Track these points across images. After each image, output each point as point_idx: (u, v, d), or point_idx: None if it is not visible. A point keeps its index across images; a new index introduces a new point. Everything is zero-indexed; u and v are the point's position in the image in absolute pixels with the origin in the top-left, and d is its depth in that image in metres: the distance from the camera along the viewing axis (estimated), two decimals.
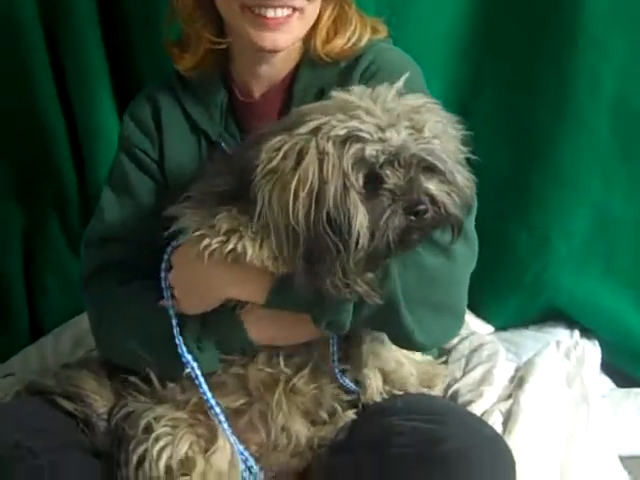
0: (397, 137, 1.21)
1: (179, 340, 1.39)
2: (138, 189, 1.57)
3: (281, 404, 1.40)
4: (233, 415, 1.42)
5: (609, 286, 2.08)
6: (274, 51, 1.46)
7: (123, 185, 1.58)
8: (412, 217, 1.21)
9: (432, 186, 1.23)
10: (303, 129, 1.24)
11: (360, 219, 1.19)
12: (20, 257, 2.45)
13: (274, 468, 1.44)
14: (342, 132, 1.21)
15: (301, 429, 1.42)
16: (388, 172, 1.21)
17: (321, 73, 1.51)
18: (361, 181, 1.20)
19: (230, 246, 1.28)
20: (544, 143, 2.01)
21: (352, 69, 1.50)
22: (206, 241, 1.30)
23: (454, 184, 1.25)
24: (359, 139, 1.20)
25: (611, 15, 1.90)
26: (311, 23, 1.48)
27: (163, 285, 1.44)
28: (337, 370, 1.43)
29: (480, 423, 1.37)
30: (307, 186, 1.20)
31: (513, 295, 2.12)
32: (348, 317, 1.30)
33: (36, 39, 2.19)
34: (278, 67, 1.53)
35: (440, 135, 1.25)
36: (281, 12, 1.41)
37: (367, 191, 1.21)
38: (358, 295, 1.24)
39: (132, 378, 1.47)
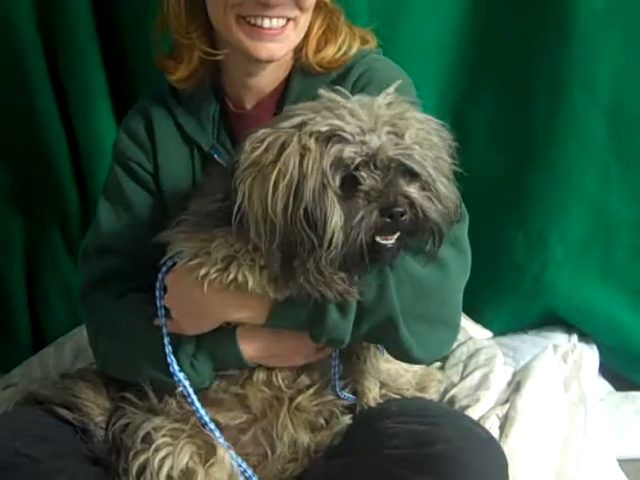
0: (376, 140, 1.21)
1: (171, 359, 1.41)
2: (133, 201, 1.59)
3: (286, 423, 1.41)
4: (235, 431, 1.43)
5: (606, 290, 2.08)
6: (269, 61, 1.47)
7: (118, 197, 1.60)
8: (387, 219, 1.21)
9: (411, 189, 1.24)
10: (287, 123, 1.25)
11: (335, 218, 1.20)
12: (22, 268, 2.47)
13: (272, 476, 1.44)
14: (324, 129, 1.22)
15: (304, 439, 1.43)
16: (364, 174, 1.21)
17: (312, 83, 1.52)
18: (338, 182, 1.21)
19: (231, 276, 1.29)
20: (540, 147, 2.02)
21: (344, 79, 1.51)
22: (204, 270, 1.31)
23: (436, 191, 1.26)
24: (340, 139, 1.21)
25: (605, 17, 1.91)
26: (303, 33, 1.50)
27: (158, 304, 1.45)
28: (338, 388, 1.45)
29: (473, 425, 1.38)
30: (287, 179, 1.21)
31: (510, 299, 2.13)
32: (347, 333, 1.32)
33: (36, 54, 2.20)
34: (270, 78, 1.54)
35: (421, 142, 1.26)
36: (277, 22, 1.43)
37: (344, 192, 1.21)
38: (337, 293, 1.25)
39: (128, 394, 1.47)
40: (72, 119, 2.26)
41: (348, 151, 1.21)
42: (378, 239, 1.22)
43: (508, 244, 2.09)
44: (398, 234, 1.24)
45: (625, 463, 1.72)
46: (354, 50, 1.53)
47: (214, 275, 1.31)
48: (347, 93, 1.30)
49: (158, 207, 1.58)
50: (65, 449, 1.41)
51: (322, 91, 1.31)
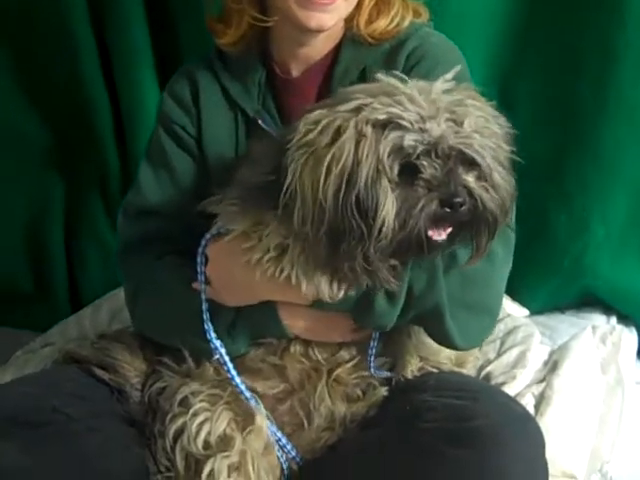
0: (437, 128, 1.19)
1: (208, 326, 1.41)
2: (176, 165, 1.58)
3: (324, 395, 1.41)
4: (272, 401, 1.43)
5: None
6: (319, 31, 1.45)
7: (161, 160, 1.60)
8: (447, 209, 1.19)
9: (470, 179, 1.22)
10: (344, 107, 1.23)
11: (388, 207, 1.17)
12: (61, 229, 2.50)
13: (305, 444, 1.45)
14: (382, 116, 1.19)
15: (341, 410, 1.43)
16: (425, 163, 1.19)
17: (363, 54, 1.51)
18: (396, 169, 1.19)
19: (285, 273, 1.28)
20: (586, 125, 1.98)
21: (397, 52, 1.49)
22: (257, 255, 1.30)
23: (491, 180, 1.23)
24: (399, 126, 1.19)
25: None
26: (354, 4, 1.47)
27: (198, 269, 1.44)
28: (374, 367, 1.44)
29: (511, 401, 1.36)
30: (340, 164, 1.19)
31: (550, 279, 2.10)
32: (392, 321, 1.32)
33: (81, 15, 2.22)
34: (319, 47, 1.53)
35: (481, 130, 1.23)
36: None
37: (401, 180, 1.19)
38: (378, 281, 1.24)
39: (165, 359, 1.48)
40: (116, 81, 2.28)
41: (409, 139, 1.18)
42: (430, 233, 1.20)
43: (550, 224, 2.06)
44: (450, 229, 1.22)
45: None
46: (406, 22, 1.51)
47: (267, 265, 1.30)
48: (405, 77, 1.27)
49: (200, 172, 1.58)
50: (101, 409, 1.42)
51: (380, 75, 1.28)
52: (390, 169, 1.18)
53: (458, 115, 1.21)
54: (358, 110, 1.21)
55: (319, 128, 1.22)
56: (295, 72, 1.56)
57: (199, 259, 1.44)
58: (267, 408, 1.41)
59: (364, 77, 1.46)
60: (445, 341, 1.37)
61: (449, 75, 1.28)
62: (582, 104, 1.98)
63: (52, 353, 1.89)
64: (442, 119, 1.20)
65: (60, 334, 2.16)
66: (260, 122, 1.55)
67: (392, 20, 1.50)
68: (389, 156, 1.18)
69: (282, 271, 1.28)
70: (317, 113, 1.24)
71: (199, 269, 1.44)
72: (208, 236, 1.43)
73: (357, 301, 1.31)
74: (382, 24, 1.49)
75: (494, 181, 1.23)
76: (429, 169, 1.19)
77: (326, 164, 1.19)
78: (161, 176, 1.59)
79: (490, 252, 1.32)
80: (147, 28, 2.22)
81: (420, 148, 1.18)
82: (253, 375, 1.43)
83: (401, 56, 1.48)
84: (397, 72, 1.29)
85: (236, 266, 1.35)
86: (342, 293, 1.28)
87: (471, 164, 1.22)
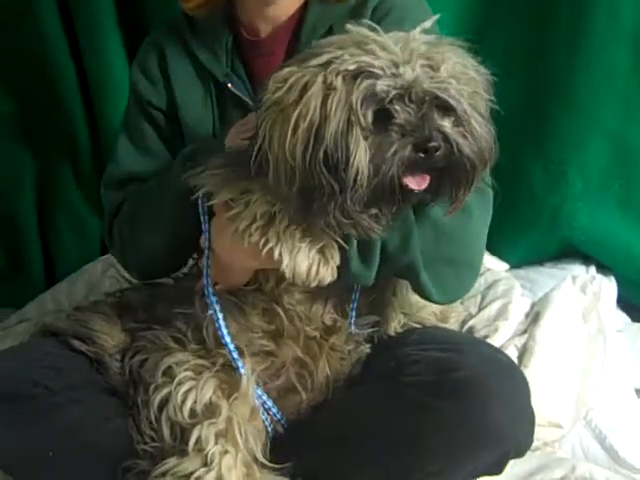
0: (410, 72, 1.16)
1: (207, 282, 1.37)
2: (150, 141, 1.59)
3: (324, 367, 1.40)
4: (265, 377, 1.40)
5: (625, 222, 2.06)
6: (273, 1, 1.46)
7: (136, 134, 1.60)
8: (422, 154, 1.16)
9: (446, 124, 1.19)
10: (314, 62, 1.20)
11: (360, 155, 1.15)
12: (34, 205, 2.48)
13: (290, 407, 1.44)
14: (352, 67, 1.16)
15: (332, 373, 1.42)
16: (398, 107, 1.16)
17: (330, 11, 1.48)
18: (370, 117, 1.16)
19: (269, 245, 1.24)
20: (560, 78, 1.98)
21: (363, 6, 1.47)
22: (244, 223, 1.26)
23: (469, 127, 1.20)
24: (370, 74, 1.16)
25: None
26: None
27: (203, 229, 1.39)
28: (354, 324, 1.42)
29: (496, 352, 1.36)
30: (307, 121, 1.16)
31: (529, 232, 2.11)
32: (371, 279, 1.29)
33: None
34: (285, 6, 1.50)
35: (458, 76, 1.20)
36: None
37: (375, 127, 1.16)
38: (362, 230, 1.21)
39: (146, 334, 1.45)
40: (81, 48, 2.24)
41: (381, 84, 1.15)
42: (406, 181, 1.18)
43: (527, 177, 2.06)
44: (428, 180, 1.19)
45: None
46: None
47: (255, 234, 1.25)
48: (375, 26, 1.23)
49: (179, 142, 1.56)
50: (81, 380, 1.41)
51: (350, 26, 1.24)
52: (364, 117, 1.16)
53: (435, 61, 1.19)
54: (328, 64, 1.18)
55: (287, 85, 1.19)
56: (263, 33, 1.54)
57: (202, 218, 1.39)
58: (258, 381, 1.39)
59: (331, 34, 1.42)
60: (423, 295, 1.36)
61: (427, 24, 1.25)
62: (556, 57, 1.97)
63: (28, 329, 1.88)
64: (417, 64, 1.17)
65: (36, 310, 2.15)
66: (230, 86, 1.53)
67: None
68: (362, 104, 1.15)
69: (267, 242, 1.25)
70: (286, 71, 1.21)
71: (203, 227, 1.39)
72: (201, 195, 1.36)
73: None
74: None
75: (472, 128, 1.20)
76: (402, 114, 1.16)
77: (293, 121, 1.17)
78: (138, 148, 1.59)
79: (466, 207, 1.29)
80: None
81: (393, 92, 1.15)
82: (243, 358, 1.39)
83: (367, 10, 1.46)
84: (367, 21, 1.25)
85: (227, 235, 1.31)
86: (316, 282, 1.26)
87: (447, 109, 1.19)
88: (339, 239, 1.25)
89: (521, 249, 2.13)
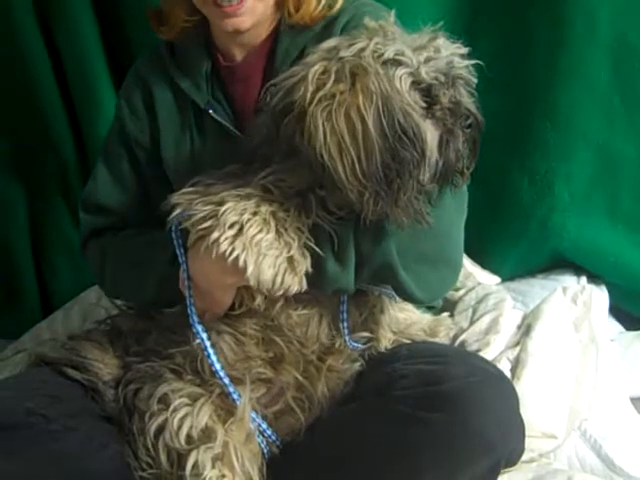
0: (443, 55, 1.24)
1: (191, 310, 1.38)
2: (126, 173, 1.63)
3: (323, 389, 1.40)
4: (262, 405, 1.41)
5: (614, 230, 2.06)
6: (239, 32, 1.48)
7: (114, 164, 1.64)
8: (467, 131, 1.26)
9: (467, 99, 1.28)
10: (346, 52, 1.24)
11: (429, 136, 1.22)
12: (27, 236, 2.49)
13: (286, 428, 1.44)
14: (389, 54, 1.22)
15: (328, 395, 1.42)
16: (441, 92, 1.24)
17: (301, 35, 1.51)
18: (421, 102, 1.22)
19: (234, 254, 1.25)
20: (541, 90, 1.99)
21: (331, 26, 1.50)
22: (214, 235, 1.27)
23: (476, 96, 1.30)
24: (401, 62, 1.22)
25: None
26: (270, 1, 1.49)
27: (180, 261, 1.40)
28: (349, 338, 1.43)
29: (483, 362, 1.37)
30: (373, 101, 1.19)
31: (518, 244, 2.11)
32: (350, 283, 1.31)
33: (30, 21, 2.22)
34: (255, 34, 1.53)
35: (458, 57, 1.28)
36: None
37: (425, 111, 1.24)
38: (414, 213, 1.24)
39: (138, 360, 1.46)
40: (69, 84, 2.27)
41: (424, 71, 1.22)
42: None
43: (514, 189, 2.06)
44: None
45: (637, 401, 1.72)
46: (339, 3, 1.51)
47: (222, 244, 1.26)
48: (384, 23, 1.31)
49: (157, 177, 1.61)
50: (77, 408, 1.41)
51: (368, 21, 1.31)
52: (414, 102, 1.22)
53: (436, 47, 1.25)
54: (361, 52, 1.23)
55: (333, 77, 1.22)
56: (238, 58, 1.56)
57: (176, 243, 1.40)
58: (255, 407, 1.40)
59: (304, 56, 1.44)
60: (404, 295, 1.37)
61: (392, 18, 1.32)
62: (536, 68, 1.99)
63: (25, 359, 1.87)
64: (431, 50, 1.25)
65: (33, 339, 2.15)
66: (211, 112, 1.55)
67: (319, 2, 1.50)
68: (410, 89, 1.22)
69: (232, 251, 1.26)
70: (320, 65, 1.24)
71: (178, 252, 1.40)
72: (176, 222, 1.37)
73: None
74: (310, 8, 1.50)
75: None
76: (444, 98, 1.24)
77: (361, 105, 1.19)
78: (115, 180, 1.63)
79: (439, 202, 1.32)
80: (97, 25, 2.20)
81: (441, 77, 1.23)
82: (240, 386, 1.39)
83: (336, 29, 1.48)
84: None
85: (202, 254, 1.31)
86: (281, 292, 1.27)
87: (468, 85, 1.29)
88: (312, 244, 1.27)
89: (512, 261, 2.13)
